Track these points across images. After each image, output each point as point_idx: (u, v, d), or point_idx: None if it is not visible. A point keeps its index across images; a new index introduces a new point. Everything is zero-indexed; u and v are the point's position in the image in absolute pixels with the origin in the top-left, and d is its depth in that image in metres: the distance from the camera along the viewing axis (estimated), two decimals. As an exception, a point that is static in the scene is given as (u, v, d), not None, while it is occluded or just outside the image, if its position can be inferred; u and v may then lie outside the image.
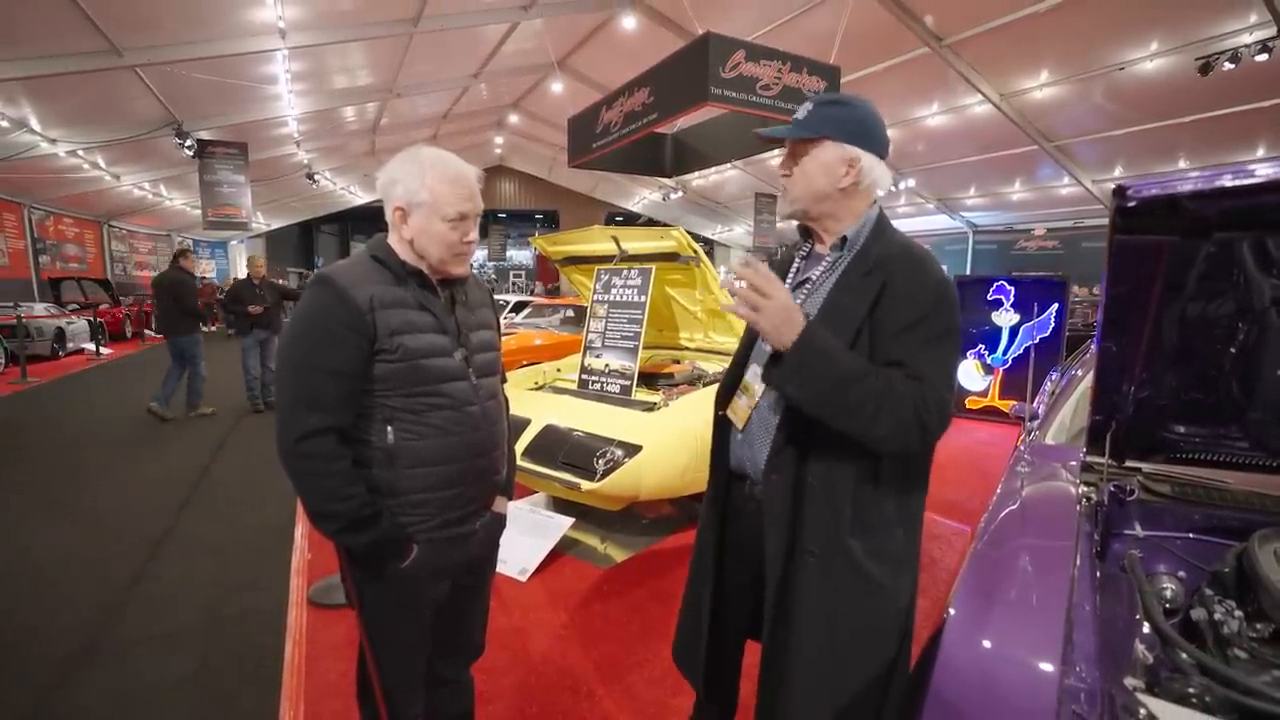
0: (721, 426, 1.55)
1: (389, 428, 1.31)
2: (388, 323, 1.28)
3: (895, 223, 1.40)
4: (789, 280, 1.46)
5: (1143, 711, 0.95)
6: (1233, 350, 1.48)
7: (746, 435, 1.44)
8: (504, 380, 1.59)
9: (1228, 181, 1.06)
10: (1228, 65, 7.64)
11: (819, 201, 1.36)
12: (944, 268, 1.34)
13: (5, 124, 9.37)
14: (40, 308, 11.96)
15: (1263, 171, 1.05)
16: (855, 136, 1.33)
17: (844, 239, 1.37)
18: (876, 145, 1.35)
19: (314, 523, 1.29)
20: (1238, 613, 1.30)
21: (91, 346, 12.08)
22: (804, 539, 1.30)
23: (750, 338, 1.50)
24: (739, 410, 1.46)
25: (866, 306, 1.26)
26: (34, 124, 9.86)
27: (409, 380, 1.30)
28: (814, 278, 1.39)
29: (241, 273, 22.87)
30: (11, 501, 4.20)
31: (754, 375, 1.44)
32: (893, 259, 1.29)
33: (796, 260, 1.48)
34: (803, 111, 1.37)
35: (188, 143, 11.05)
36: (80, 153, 11.45)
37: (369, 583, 1.36)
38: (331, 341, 1.24)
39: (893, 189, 14.73)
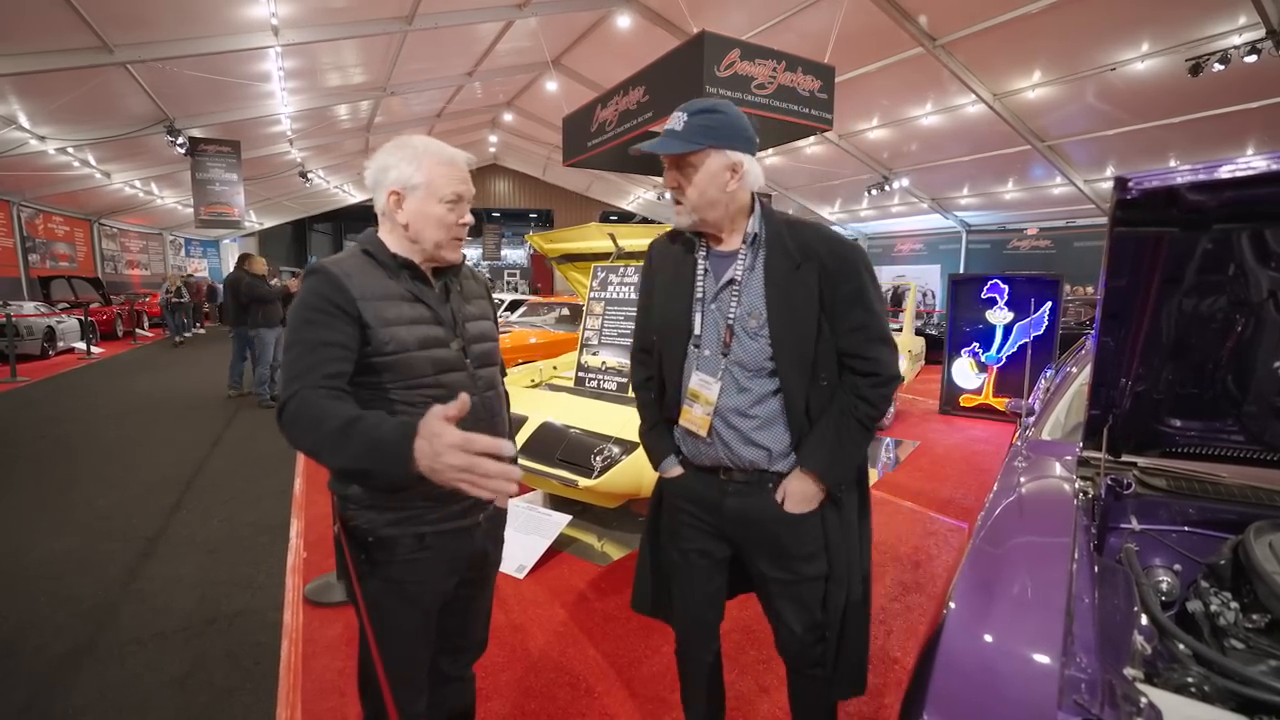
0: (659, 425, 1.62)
1: None
2: (379, 314, 1.27)
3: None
4: (701, 282, 1.48)
5: (1144, 700, 0.96)
6: (1229, 343, 1.50)
7: (715, 437, 1.48)
8: (504, 374, 1.59)
9: (1228, 173, 1.07)
10: (1218, 66, 7.70)
11: (713, 208, 1.42)
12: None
13: (-6, 121, 9.30)
14: (30, 306, 11.84)
15: (1263, 163, 1.05)
16: (733, 141, 1.39)
17: (755, 236, 1.45)
18: (750, 146, 1.43)
19: (339, 469, 1.17)
20: (1233, 604, 1.31)
21: (82, 345, 11.98)
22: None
23: (680, 345, 1.51)
24: (696, 418, 1.49)
25: (817, 297, 1.40)
26: (23, 121, 9.77)
27: (405, 372, 1.30)
28: (738, 277, 1.44)
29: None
30: (3, 501, 4.16)
31: (701, 383, 1.47)
32: (812, 244, 1.42)
33: (701, 262, 1.50)
34: (677, 123, 1.39)
35: (179, 140, 10.98)
36: (70, 150, 11.36)
37: (371, 581, 1.35)
38: (322, 317, 1.24)
39: (887, 188, 14.78)
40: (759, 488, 1.49)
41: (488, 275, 28.15)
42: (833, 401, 1.44)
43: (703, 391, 1.47)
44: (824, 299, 1.40)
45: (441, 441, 0.98)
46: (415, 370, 1.30)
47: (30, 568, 3.21)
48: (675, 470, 1.60)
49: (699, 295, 1.49)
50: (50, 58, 7.69)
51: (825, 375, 1.43)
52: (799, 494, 1.45)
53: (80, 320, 12.20)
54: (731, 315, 1.44)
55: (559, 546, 3.34)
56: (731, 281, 1.45)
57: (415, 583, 1.36)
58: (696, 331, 1.48)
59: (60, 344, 11.59)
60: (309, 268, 1.31)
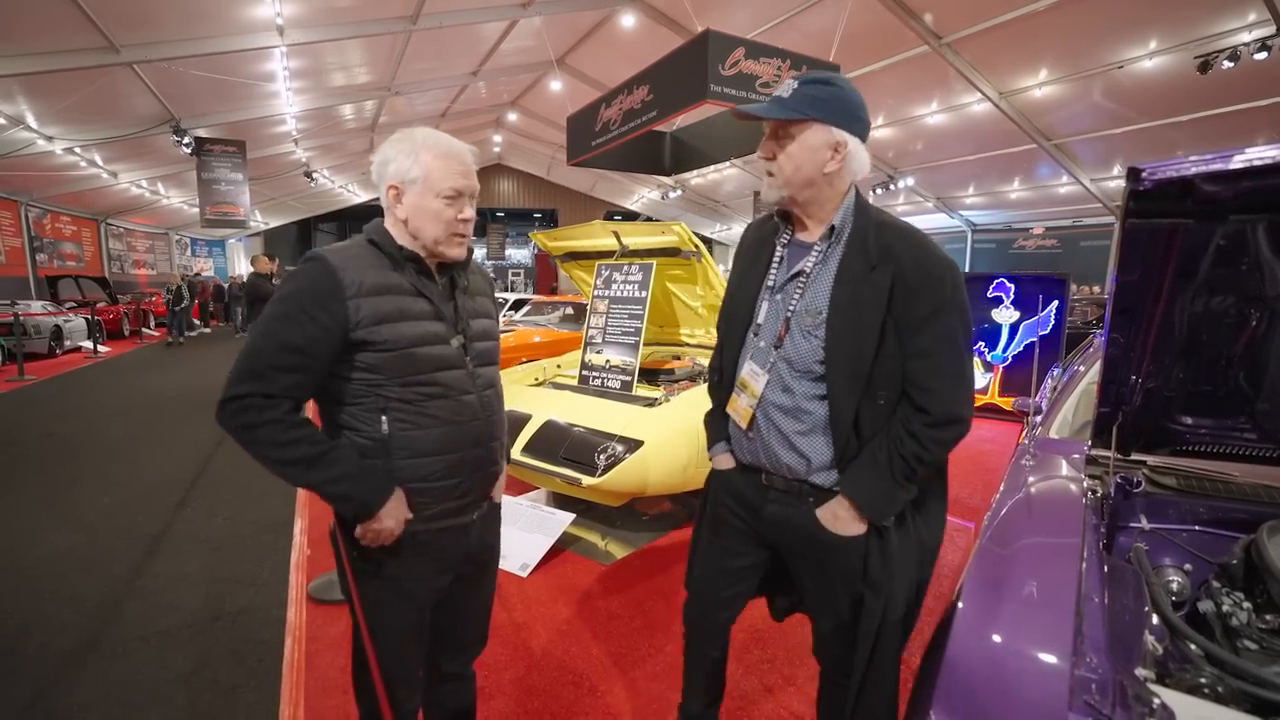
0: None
1: (383, 417, 1.28)
2: (376, 309, 1.24)
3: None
4: (774, 272, 1.42)
5: (1156, 701, 0.94)
6: (1243, 339, 1.47)
7: (755, 432, 1.43)
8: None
9: (1245, 162, 1.04)
10: (1227, 64, 7.63)
11: (806, 187, 1.33)
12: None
13: (2, 121, 9.34)
14: (37, 305, 11.90)
15: (1280, 153, 1.03)
16: (841, 119, 1.29)
17: (832, 228, 1.35)
18: (860, 128, 1.33)
19: (311, 483, 1.25)
20: (1246, 604, 1.29)
21: (89, 344, 12.04)
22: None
23: (739, 332, 1.47)
24: (740, 408, 1.44)
25: (885, 302, 1.27)
26: (31, 121, 9.82)
27: (403, 369, 1.27)
28: (807, 270, 1.36)
29: (239, 270, 22.92)
30: (9, 499, 4.17)
31: (751, 373, 1.42)
32: (896, 247, 1.28)
33: (779, 249, 1.43)
34: (786, 90, 1.29)
35: (185, 140, 11.02)
36: (77, 150, 11.41)
37: (367, 577, 1.34)
38: (298, 316, 1.20)
39: (892, 188, 14.73)
40: (799, 499, 1.41)
41: (492, 276, 28.31)
42: (887, 428, 1.33)
43: (750, 382, 1.41)
44: (894, 310, 1.27)
45: (402, 511, 1.30)
46: (414, 367, 1.28)
47: (35, 565, 3.22)
48: (726, 459, 1.55)
49: (770, 283, 1.43)
50: (57, 58, 7.73)
51: (885, 393, 1.30)
52: (836, 518, 1.35)
53: (87, 319, 12.27)
54: (791, 309, 1.37)
55: (562, 545, 3.33)
56: (800, 274, 1.37)
57: (410, 580, 1.35)
58: (759, 321, 1.43)
59: (67, 343, 11.66)
60: (306, 255, 1.29)
